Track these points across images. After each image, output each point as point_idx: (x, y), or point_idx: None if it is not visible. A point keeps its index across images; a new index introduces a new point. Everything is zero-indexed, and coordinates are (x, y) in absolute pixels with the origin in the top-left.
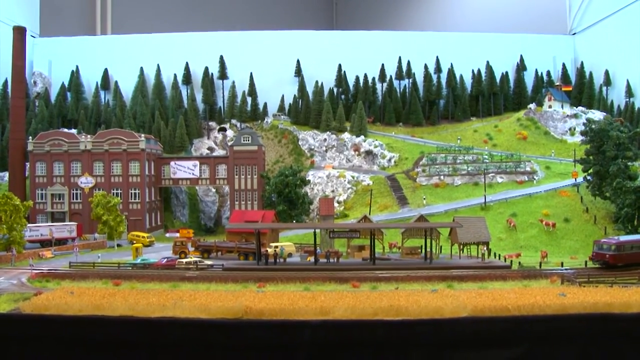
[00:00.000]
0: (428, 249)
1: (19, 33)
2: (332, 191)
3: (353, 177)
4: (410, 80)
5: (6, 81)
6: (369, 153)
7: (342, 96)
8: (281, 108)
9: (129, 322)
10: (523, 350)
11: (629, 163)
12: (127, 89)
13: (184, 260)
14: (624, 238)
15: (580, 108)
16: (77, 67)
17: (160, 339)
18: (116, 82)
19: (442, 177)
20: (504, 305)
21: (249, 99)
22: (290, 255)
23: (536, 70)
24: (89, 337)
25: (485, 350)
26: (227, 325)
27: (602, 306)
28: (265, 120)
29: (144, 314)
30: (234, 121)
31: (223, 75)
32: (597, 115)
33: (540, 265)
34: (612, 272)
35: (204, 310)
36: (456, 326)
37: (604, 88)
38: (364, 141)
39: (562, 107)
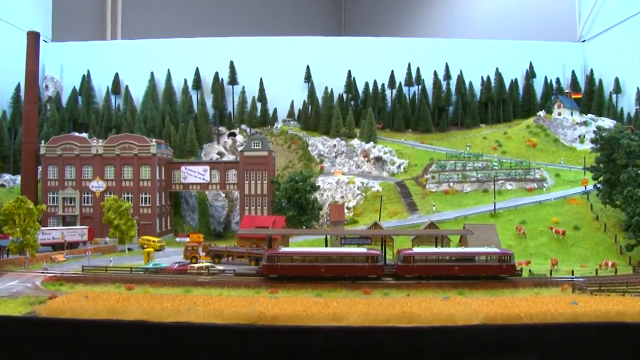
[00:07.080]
0: None
1: (33, 38)
2: (342, 197)
3: (362, 183)
4: (420, 86)
5: (19, 85)
6: (378, 159)
7: (352, 102)
8: (291, 114)
9: (144, 327)
10: (535, 358)
11: None
12: (138, 94)
13: (196, 265)
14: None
15: (589, 115)
16: (88, 71)
17: (175, 344)
18: (127, 86)
19: (451, 183)
20: (515, 313)
21: (258, 105)
22: None
23: (545, 77)
24: (104, 341)
25: (497, 358)
26: (241, 330)
27: (615, 315)
28: (275, 125)
29: (158, 318)
30: (243, 126)
31: (233, 80)
32: (607, 122)
33: (550, 273)
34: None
35: (218, 315)
36: (468, 334)
37: (614, 95)
38: (374, 147)
39: (572, 114)
